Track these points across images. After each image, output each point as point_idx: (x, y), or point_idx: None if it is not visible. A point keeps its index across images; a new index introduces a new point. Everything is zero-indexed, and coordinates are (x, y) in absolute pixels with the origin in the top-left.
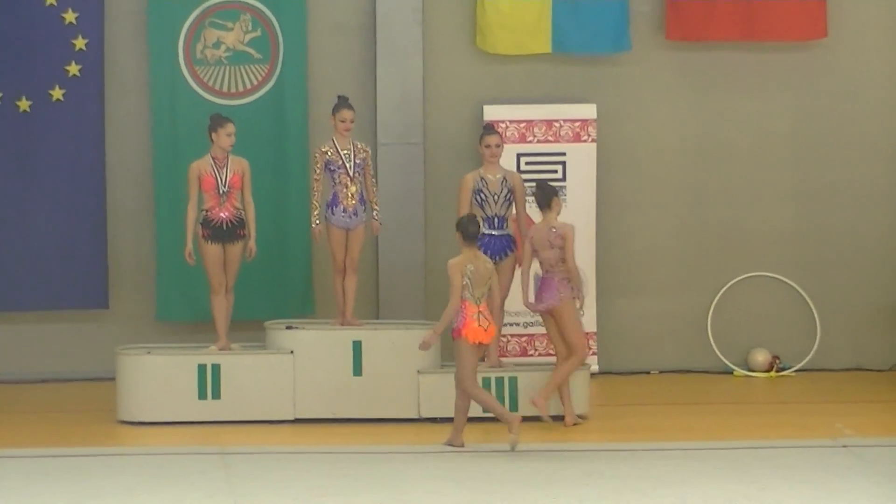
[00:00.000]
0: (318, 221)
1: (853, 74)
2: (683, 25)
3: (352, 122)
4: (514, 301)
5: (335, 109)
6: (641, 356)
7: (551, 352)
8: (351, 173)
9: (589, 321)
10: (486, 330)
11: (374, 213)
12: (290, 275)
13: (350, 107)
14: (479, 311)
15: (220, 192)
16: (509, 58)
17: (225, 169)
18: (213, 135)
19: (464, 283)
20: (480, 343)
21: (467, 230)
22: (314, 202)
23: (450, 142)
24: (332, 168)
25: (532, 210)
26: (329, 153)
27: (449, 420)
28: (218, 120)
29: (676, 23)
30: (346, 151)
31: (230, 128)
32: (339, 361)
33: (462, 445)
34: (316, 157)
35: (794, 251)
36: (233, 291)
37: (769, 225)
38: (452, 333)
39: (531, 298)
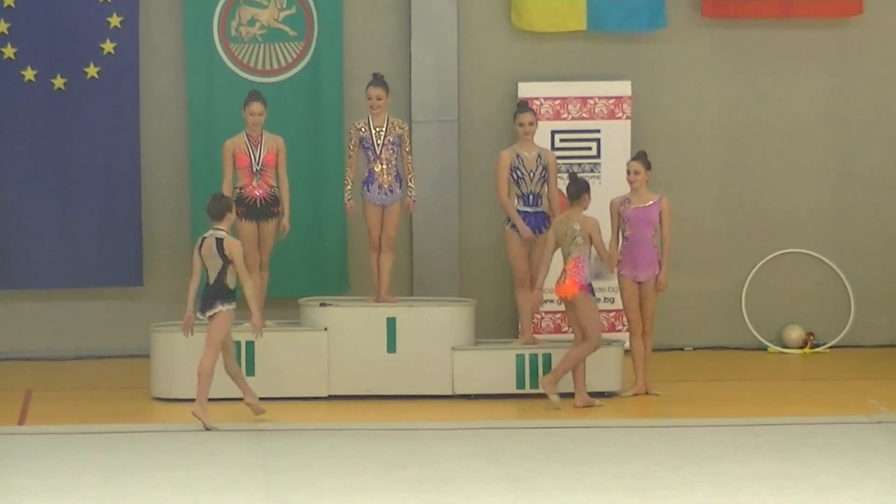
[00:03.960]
0: (350, 197)
1: (890, 51)
2: (719, 2)
3: (378, 99)
4: (550, 278)
5: (366, 87)
6: (676, 333)
7: None
8: (378, 151)
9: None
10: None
11: (410, 191)
12: (326, 252)
13: (377, 84)
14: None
15: (254, 169)
16: (544, 35)
17: (259, 147)
18: (243, 112)
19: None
20: None
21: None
22: (347, 178)
23: (485, 119)
24: (365, 145)
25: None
26: (363, 130)
27: (484, 397)
28: (247, 97)
29: (712, 0)
30: (378, 129)
31: (254, 107)
32: (373, 338)
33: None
34: (351, 133)
35: (828, 229)
36: (267, 269)
37: (804, 202)
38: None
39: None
